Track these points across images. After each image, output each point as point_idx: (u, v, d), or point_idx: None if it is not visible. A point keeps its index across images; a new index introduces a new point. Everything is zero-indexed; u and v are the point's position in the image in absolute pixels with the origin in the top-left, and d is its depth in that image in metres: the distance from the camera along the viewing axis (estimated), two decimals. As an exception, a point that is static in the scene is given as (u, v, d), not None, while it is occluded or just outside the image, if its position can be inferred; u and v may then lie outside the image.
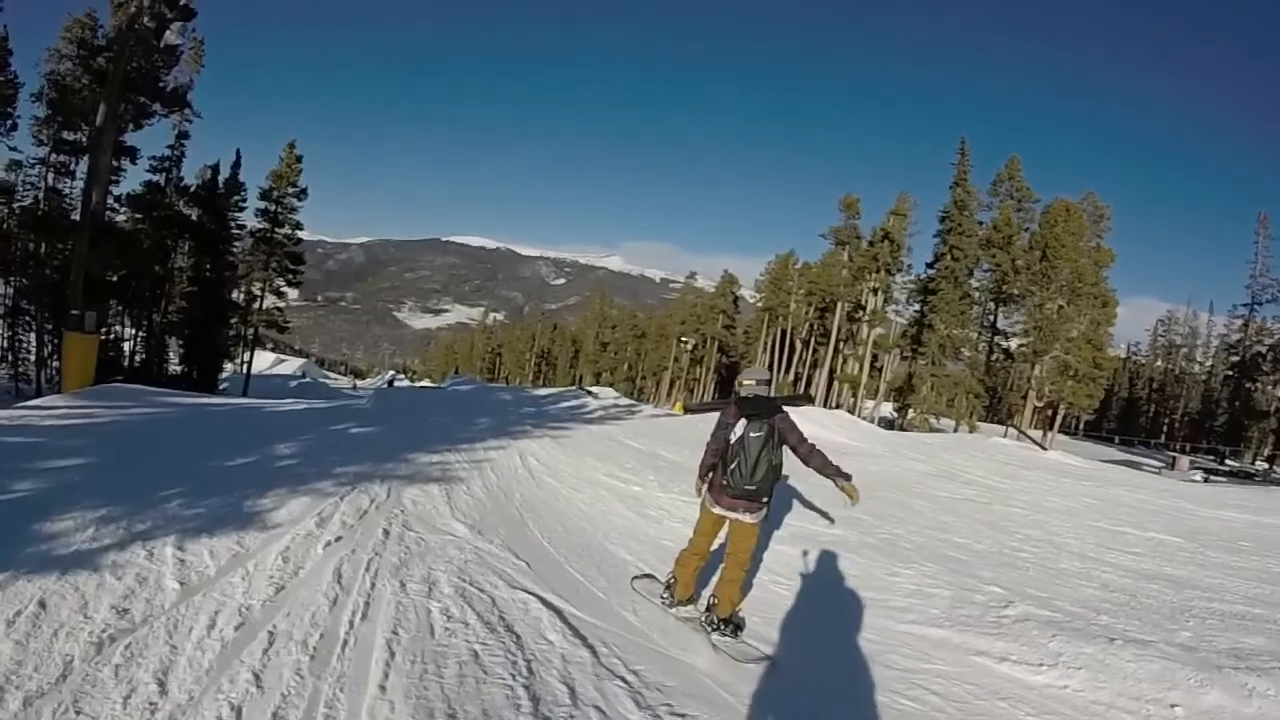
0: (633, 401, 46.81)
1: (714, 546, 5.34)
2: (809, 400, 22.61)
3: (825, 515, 8.64)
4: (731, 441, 4.96)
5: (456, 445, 10.88)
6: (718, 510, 5.10)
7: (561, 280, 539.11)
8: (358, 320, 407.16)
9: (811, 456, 5.10)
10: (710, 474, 5.21)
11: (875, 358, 51.58)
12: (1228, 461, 40.63)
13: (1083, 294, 39.47)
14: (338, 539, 5.60)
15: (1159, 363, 67.02)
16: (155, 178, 34.35)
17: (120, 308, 34.10)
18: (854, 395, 50.09)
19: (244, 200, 37.29)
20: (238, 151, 37.68)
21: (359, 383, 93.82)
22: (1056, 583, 7.01)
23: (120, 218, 31.90)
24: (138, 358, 34.10)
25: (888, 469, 15.08)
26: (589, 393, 46.16)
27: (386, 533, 5.96)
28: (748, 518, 5.02)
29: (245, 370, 38.62)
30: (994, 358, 44.41)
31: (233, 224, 36.95)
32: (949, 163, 44.11)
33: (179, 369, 34.87)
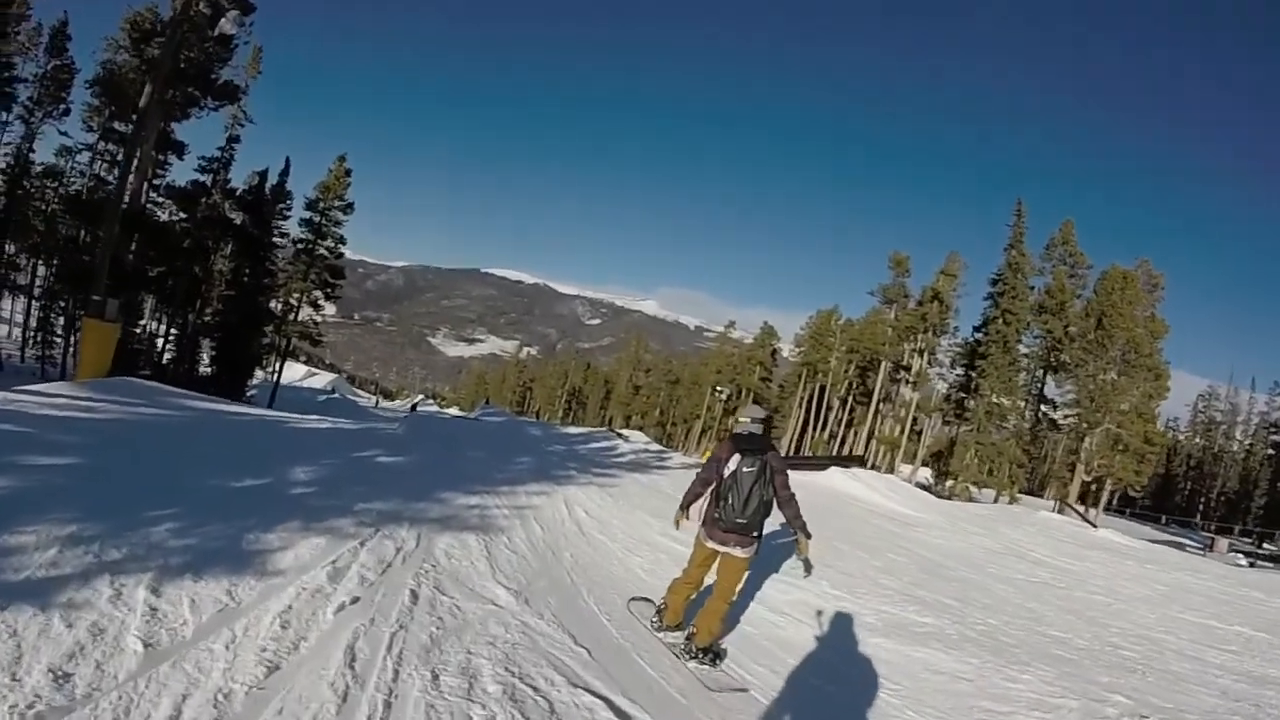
0: (662, 448, 46.10)
1: (708, 579, 5.40)
2: (860, 462, 21.50)
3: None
4: (725, 476, 5.04)
5: (495, 487, 9.80)
6: (710, 544, 5.19)
7: (596, 320, 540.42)
8: (392, 342, 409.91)
9: (788, 504, 5.21)
10: (694, 503, 5.31)
11: (914, 421, 50.17)
12: (1266, 546, 38.44)
13: (1137, 365, 38.05)
14: (353, 600, 4.47)
15: (1197, 439, 64.78)
16: (202, 178, 34.07)
17: (157, 304, 33.75)
18: (891, 458, 48.47)
19: (289, 209, 36.86)
20: (287, 159, 37.36)
21: (383, 402, 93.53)
22: (1175, 690, 6.25)
23: (163, 214, 31.54)
24: (167, 356, 33.59)
25: (954, 544, 13.89)
26: (619, 435, 45.21)
27: (415, 596, 4.83)
28: (738, 552, 5.11)
29: (274, 379, 37.76)
30: (1039, 427, 42.80)
31: (276, 232, 36.46)
32: (1005, 224, 43.05)
33: (209, 371, 34.28)
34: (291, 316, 38.01)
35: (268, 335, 37.03)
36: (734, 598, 5.45)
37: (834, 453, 55.26)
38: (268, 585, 4.35)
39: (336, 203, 37.81)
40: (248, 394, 35.81)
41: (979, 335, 43.19)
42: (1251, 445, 58.83)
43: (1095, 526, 27.55)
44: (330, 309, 42.26)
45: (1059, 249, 42.12)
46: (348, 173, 38.05)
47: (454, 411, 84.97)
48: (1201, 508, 57.81)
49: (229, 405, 12.92)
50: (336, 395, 61.33)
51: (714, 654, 5.18)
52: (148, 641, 3.36)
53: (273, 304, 37.37)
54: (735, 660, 5.25)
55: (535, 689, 3.83)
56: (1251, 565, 21.71)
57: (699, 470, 5.44)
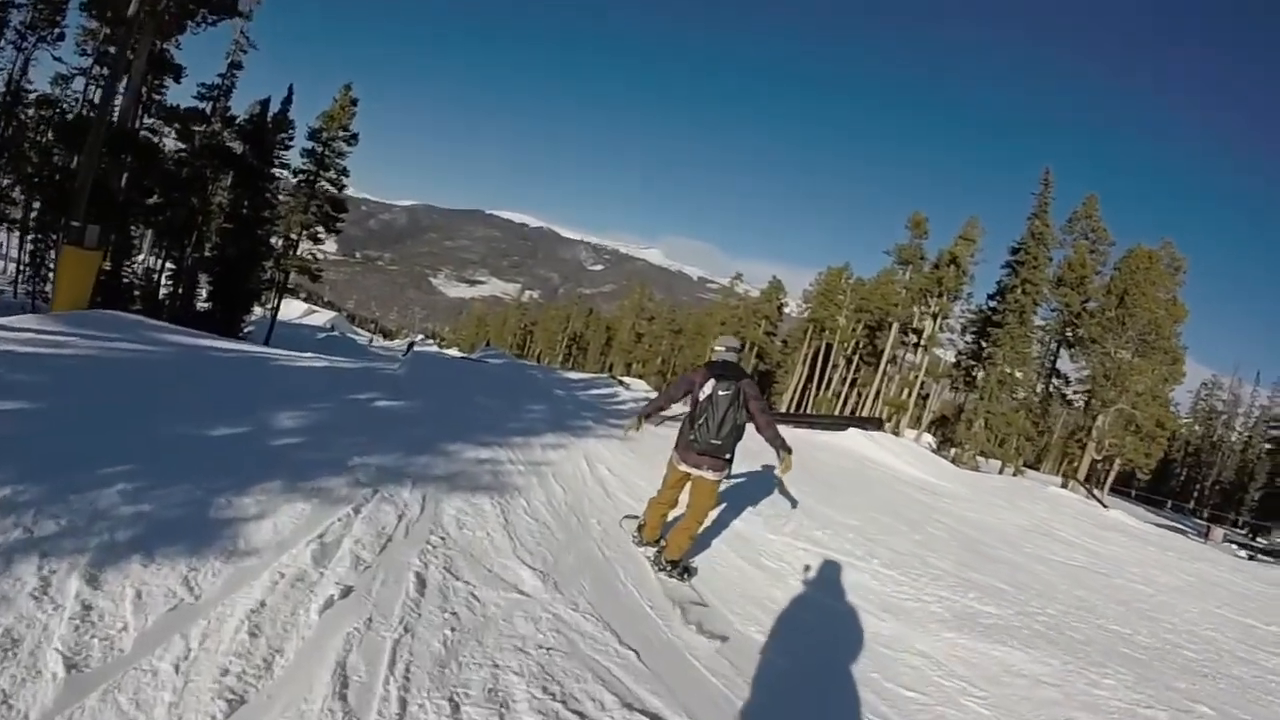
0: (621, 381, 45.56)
1: (682, 498, 5.58)
2: (879, 425, 20.74)
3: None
4: (701, 400, 5.22)
5: (507, 438, 8.78)
6: (683, 467, 5.39)
7: (600, 266, 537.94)
8: (393, 281, 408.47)
9: (767, 425, 5.31)
10: (652, 414, 5.84)
11: (920, 385, 49.40)
12: (1259, 539, 38.23)
13: (1155, 347, 37.47)
14: (345, 592, 3.56)
15: (1197, 427, 64.86)
16: (202, 105, 32.81)
17: (156, 238, 32.77)
18: (896, 421, 47.81)
19: (291, 139, 35.34)
20: (290, 87, 35.71)
21: (382, 341, 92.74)
22: (1248, 698, 5.82)
23: (162, 142, 30.38)
24: (164, 291, 32.78)
25: (986, 519, 13.13)
26: (621, 383, 44.50)
27: (422, 582, 3.94)
28: (710, 474, 5.29)
29: (271, 315, 36.63)
30: (1049, 402, 42.33)
31: (277, 162, 35.09)
32: (1029, 193, 41.73)
33: (206, 306, 33.37)
34: (291, 251, 36.78)
35: (266, 270, 35.92)
36: (705, 519, 5.66)
37: (839, 412, 54.66)
38: (236, 570, 3.47)
39: (340, 133, 36.11)
40: (244, 330, 34.91)
41: (994, 304, 42.44)
42: (1250, 438, 58.98)
43: (1106, 506, 27.19)
44: (331, 245, 41.06)
45: (1081, 223, 41.41)
46: (353, 102, 36.33)
47: (453, 352, 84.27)
48: (1196, 494, 58.40)
49: (218, 341, 11.79)
50: (336, 333, 60.32)
51: (684, 569, 5.51)
52: (72, 660, 2.53)
53: (273, 239, 36.20)
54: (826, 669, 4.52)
55: (582, 717, 3.00)
56: (1251, 558, 21.24)
57: (665, 388, 5.86)
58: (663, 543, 5.65)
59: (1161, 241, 39.61)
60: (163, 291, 32.64)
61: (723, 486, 5.57)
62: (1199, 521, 41.18)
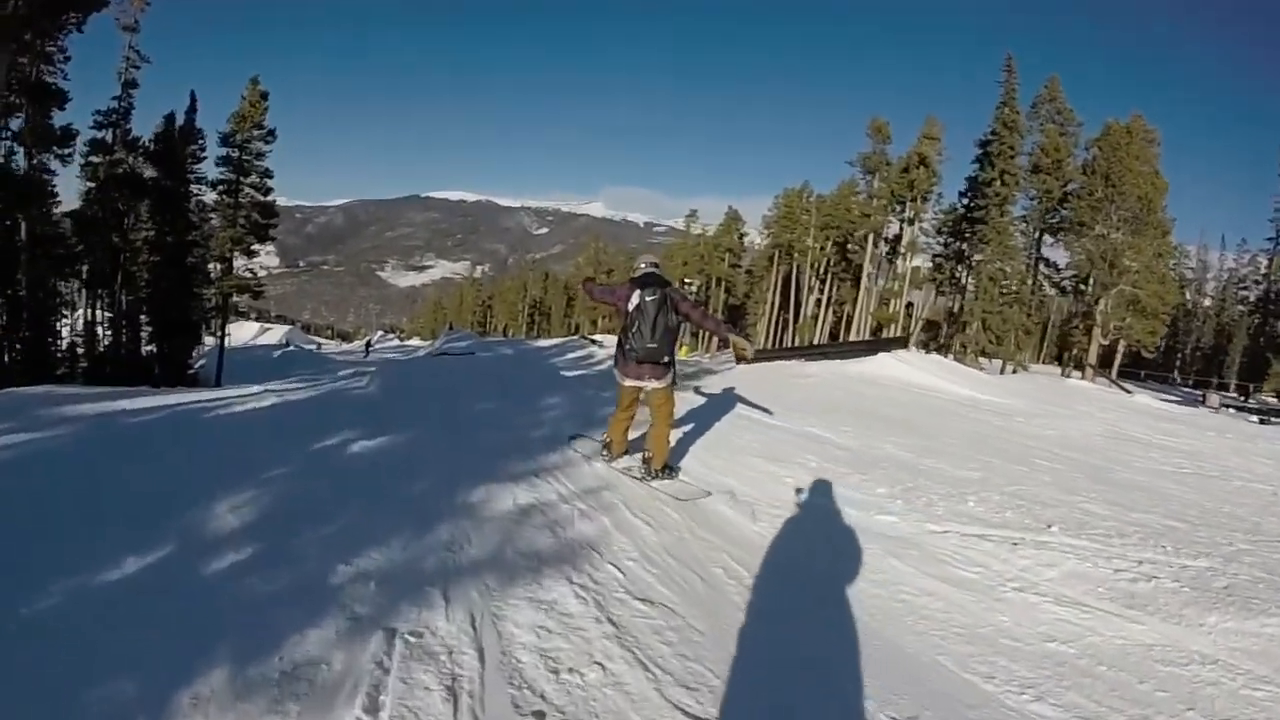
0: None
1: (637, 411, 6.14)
2: (903, 344, 19.11)
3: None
4: (630, 310, 5.53)
5: (538, 458, 6.58)
6: (629, 383, 5.80)
7: (544, 229, 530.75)
8: (341, 283, 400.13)
9: (706, 319, 5.78)
10: (589, 292, 6.49)
11: (905, 295, 48.19)
12: (1257, 398, 37.81)
13: (1148, 223, 36.65)
14: None
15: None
16: (101, 134, 29.82)
17: (81, 287, 30.12)
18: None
19: (203, 150, 32.32)
20: (192, 94, 32.39)
21: (342, 345, 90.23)
22: None
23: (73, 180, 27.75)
24: (106, 342, 30.49)
25: (1066, 433, 11.62)
26: (593, 341, 42.86)
27: None
28: (655, 384, 5.71)
29: (219, 344, 33.50)
30: (1041, 292, 41.58)
31: (192, 178, 32.08)
32: (995, 80, 40.42)
33: (151, 349, 30.78)
34: (223, 270, 33.55)
35: (208, 297, 33.06)
36: (672, 419, 5.95)
37: (818, 337, 53.19)
38: None
39: (255, 132, 32.83)
40: (194, 366, 32.33)
41: (968, 201, 41.31)
42: (1224, 302, 59.38)
43: (1130, 392, 26.20)
44: (272, 259, 38.29)
45: (1045, 106, 40.35)
46: (263, 96, 32.90)
47: (415, 342, 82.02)
48: (1179, 363, 58.31)
49: (141, 400, 9.22)
50: (291, 347, 57.40)
51: (670, 469, 5.95)
52: None
53: (208, 264, 33.19)
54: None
55: None
56: (1263, 422, 20.22)
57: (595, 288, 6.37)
58: (647, 454, 5.91)
59: (1131, 115, 38.56)
60: (105, 343, 30.27)
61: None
62: (1187, 390, 41.18)
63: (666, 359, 5.62)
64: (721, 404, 10.33)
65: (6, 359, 24.49)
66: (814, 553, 4.93)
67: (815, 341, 51.70)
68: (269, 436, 7.46)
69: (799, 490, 6.10)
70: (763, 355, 22.15)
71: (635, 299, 5.50)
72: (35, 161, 25.36)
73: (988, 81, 40.63)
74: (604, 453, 6.35)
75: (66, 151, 27.02)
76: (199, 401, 9.57)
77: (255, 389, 11.47)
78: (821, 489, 6.20)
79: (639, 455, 6.04)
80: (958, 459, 8.36)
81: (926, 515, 5.94)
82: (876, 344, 20.28)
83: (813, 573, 4.59)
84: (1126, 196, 36.15)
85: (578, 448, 6.70)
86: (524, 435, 7.79)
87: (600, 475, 6.12)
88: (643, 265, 5.88)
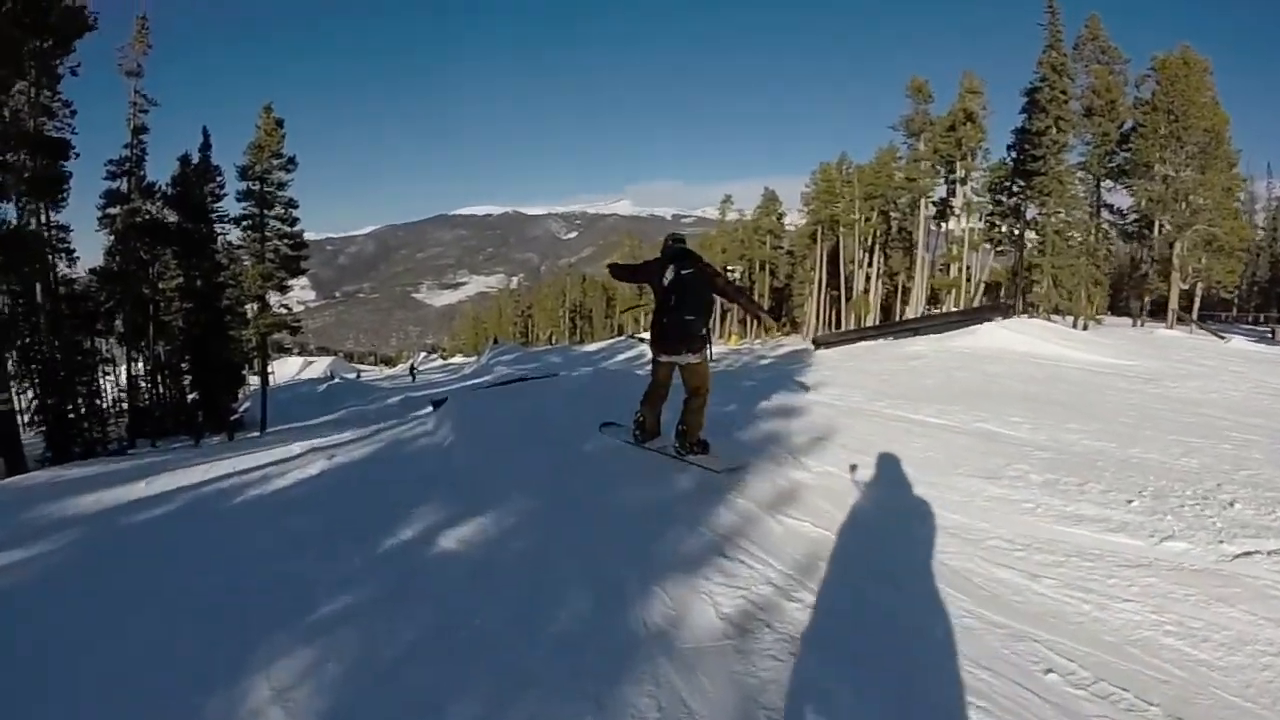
0: None
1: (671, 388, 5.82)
2: (1007, 310, 17.08)
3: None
4: (666, 285, 5.32)
5: (708, 523, 4.62)
6: (665, 359, 5.59)
7: (573, 234, 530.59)
8: (379, 308, 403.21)
9: (739, 294, 5.79)
10: (622, 275, 6.15)
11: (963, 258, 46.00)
12: None
13: (1217, 157, 34.04)
14: None
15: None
16: (115, 184, 28.88)
17: (111, 343, 29.37)
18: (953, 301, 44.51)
19: (222, 187, 31.30)
20: (205, 130, 31.59)
21: (386, 370, 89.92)
22: None
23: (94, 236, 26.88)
24: (146, 398, 29.92)
25: (1229, 397, 10.20)
26: (642, 340, 41.38)
27: None
28: (692, 358, 5.45)
29: (261, 388, 32.23)
30: (1107, 240, 39.02)
31: (214, 216, 31.12)
32: (1036, 23, 37.78)
33: (193, 397, 30.04)
34: (258, 309, 32.13)
35: (245, 338, 31.92)
36: (707, 392, 5.61)
37: (871, 318, 51.05)
38: None
39: (274, 161, 31.16)
40: (238, 410, 31.33)
41: (1016, 155, 38.93)
42: (1276, 232, 56.36)
43: (1225, 339, 24.84)
44: (309, 293, 37.22)
45: (1089, 46, 37.63)
46: (279, 123, 31.34)
47: (459, 360, 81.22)
48: (1236, 299, 54.53)
49: (156, 483, 7.28)
50: (336, 380, 56.66)
51: (704, 444, 5.71)
52: None
53: (244, 305, 32.03)
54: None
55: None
56: None
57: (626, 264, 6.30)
58: (681, 428, 5.70)
59: (1179, 47, 35.79)
60: (148, 398, 29.73)
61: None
62: (1254, 328, 37.75)
63: (704, 332, 5.46)
64: (854, 403, 8.62)
65: (45, 427, 23.60)
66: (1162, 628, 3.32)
67: (875, 318, 49.90)
68: (321, 535, 5.32)
69: (1038, 512, 4.68)
70: (842, 337, 20.44)
71: (670, 274, 5.31)
72: (27, 216, 24.18)
73: (1018, 33, 38.58)
74: (636, 432, 6.13)
75: (60, 198, 25.75)
76: (230, 476, 7.73)
77: (298, 449, 9.11)
78: (1070, 514, 4.76)
79: (675, 431, 5.77)
80: (1156, 444, 6.92)
81: (1211, 534, 4.45)
82: (974, 314, 18.19)
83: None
84: (1192, 130, 33.64)
85: (604, 433, 6.54)
86: (669, 486, 5.55)
87: (800, 533, 4.49)
88: (671, 241, 5.62)
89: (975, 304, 42.70)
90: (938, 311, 41.58)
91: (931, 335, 16.17)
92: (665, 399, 5.88)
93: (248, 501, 6.79)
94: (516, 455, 7.06)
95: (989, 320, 16.25)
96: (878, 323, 46.82)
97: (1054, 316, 35.64)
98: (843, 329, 45.93)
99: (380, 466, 8.06)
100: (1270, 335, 29.21)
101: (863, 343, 17.28)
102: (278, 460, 8.38)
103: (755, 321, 65.84)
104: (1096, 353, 14.16)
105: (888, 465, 5.89)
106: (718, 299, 5.62)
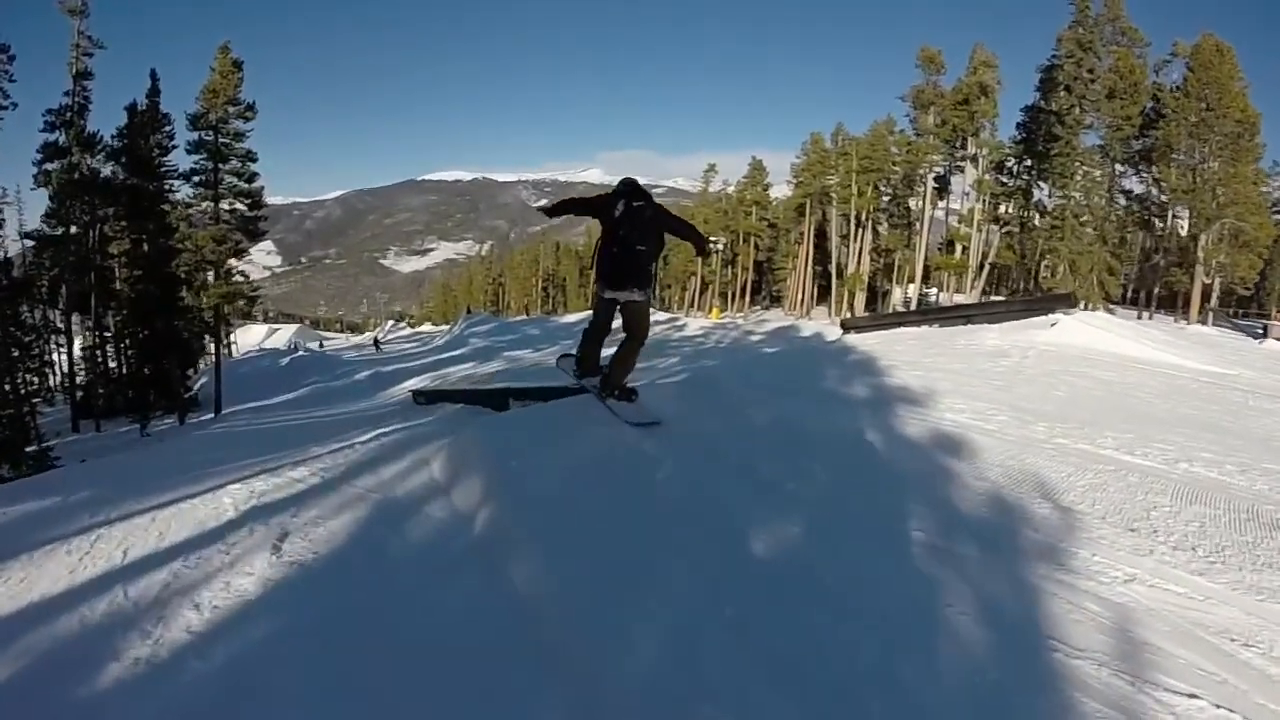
0: (672, 315, 44.27)
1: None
2: (1071, 301, 14.82)
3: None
4: (617, 217, 5.14)
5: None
6: (609, 294, 5.34)
7: (543, 201, 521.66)
8: (346, 274, 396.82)
9: (681, 224, 5.53)
10: (563, 213, 5.86)
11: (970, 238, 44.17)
12: None
13: (1246, 149, 32.99)
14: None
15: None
16: (54, 136, 25.80)
17: (61, 316, 26.84)
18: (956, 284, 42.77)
19: (172, 137, 28.17)
20: (153, 73, 28.50)
21: (351, 339, 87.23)
22: None
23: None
24: (91, 374, 27.64)
25: None
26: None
27: None
28: (636, 295, 5.25)
29: (216, 366, 28.60)
30: (1126, 227, 37.60)
31: (163, 170, 28.02)
32: (1040, 6, 36.30)
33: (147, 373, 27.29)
34: (222, 276, 28.30)
35: (200, 308, 28.84)
36: (646, 336, 5.49)
37: (1053, 293, 49.06)
38: None
39: (231, 108, 27.34)
40: (192, 387, 28.41)
41: (1026, 134, 38.28)
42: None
43: (1260, 339, 23.47)
44: (270, 256, 34.14)
45: (1108, 27, 35.97)
46: (237, 65, 27.44)
47: (428, 328, 78.57)
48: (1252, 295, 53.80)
49: (75, 524, 4.68)
50: (300, 352, 53.46)
51: (630, 391, 5.50)
52: None
53: (203, 271, 28.61)
54: None
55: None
56: None
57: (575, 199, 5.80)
58: (605, 370, 5.66)
59: (1201, 35, 34.47)
60: (94, 374, 27.61)
61: None
62: (1243, 323, 36.34)
63: (652, 268, 5.37)
64: (1014, 431, 5.81)
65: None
66: None
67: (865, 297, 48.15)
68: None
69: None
70: (876, 321, 18.21)
71: (621, 206, 5.13)
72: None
73: (1025, 8, 36.62)
74: (575, 369, 6.10)
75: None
76: (97, 596, 4.34)
77: (230, 505, 4.72)
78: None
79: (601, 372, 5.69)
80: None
81: None
82: (1038, 303, 15.89)
83: None
84: (1225, 120, 32.30)
85: (561, 365, 6.59)
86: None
87: None
88: (623, 186, 5.35)
89: (977, 286, 41.10)
90: (997, 299, 39.46)
91: (989, 325, 13.79)
92: (606, 334, 5.82)
93: (175, 590, 3.54)
94: (551, 519, 3.82)
95: (1054, 311, 13.80)
96: (931, 307, 44.90)
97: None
98: (874, 312, 43.83)
99: (373, 582, 3.60)
100: (1262, 332, 27.94)
101: (902, 329, 14.90)
102: (192, 541, 4.34)
103: (737, 296, 64.75)
104: (1183, 355, 11.91)
105: (1049, 531, 3.17)
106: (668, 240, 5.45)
